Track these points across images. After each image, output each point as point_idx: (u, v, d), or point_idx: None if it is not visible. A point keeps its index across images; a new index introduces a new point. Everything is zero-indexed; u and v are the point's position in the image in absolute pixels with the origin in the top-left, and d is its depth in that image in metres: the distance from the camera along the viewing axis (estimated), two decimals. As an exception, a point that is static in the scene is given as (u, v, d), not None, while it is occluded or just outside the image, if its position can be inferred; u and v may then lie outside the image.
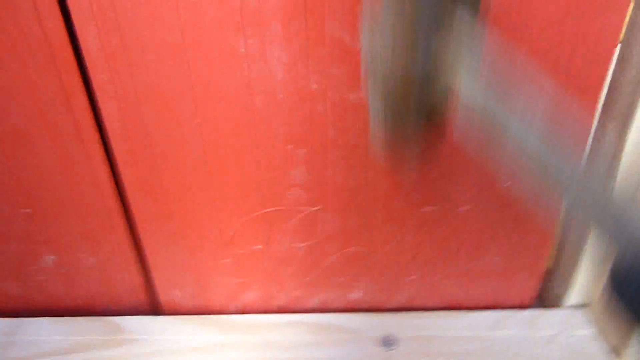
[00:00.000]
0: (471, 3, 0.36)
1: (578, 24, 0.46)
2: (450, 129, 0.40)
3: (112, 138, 0.51)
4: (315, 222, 0.57)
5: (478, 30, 0.36)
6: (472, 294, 0.64)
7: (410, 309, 0.65)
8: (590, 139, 0.54)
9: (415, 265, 0.61)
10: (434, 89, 0.37)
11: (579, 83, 0.49)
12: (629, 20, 0.48)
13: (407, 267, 0.61)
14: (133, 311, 0.64)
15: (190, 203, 0.55)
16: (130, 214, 0.57)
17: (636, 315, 0.28)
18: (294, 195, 0.55)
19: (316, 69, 0.47)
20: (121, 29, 0.45)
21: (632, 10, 0.47)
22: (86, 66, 0.47)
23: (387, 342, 0.60)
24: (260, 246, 0.59)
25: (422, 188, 0.55)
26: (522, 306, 0.65)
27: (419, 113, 0.39)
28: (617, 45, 0.48)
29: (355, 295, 0.64)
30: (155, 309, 0.65)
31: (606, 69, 0.49)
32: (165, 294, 0.63)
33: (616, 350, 0.58)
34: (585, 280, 0.62)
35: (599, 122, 0.54)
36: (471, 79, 0.36)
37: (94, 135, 0.51)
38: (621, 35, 0.48)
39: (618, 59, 0.50)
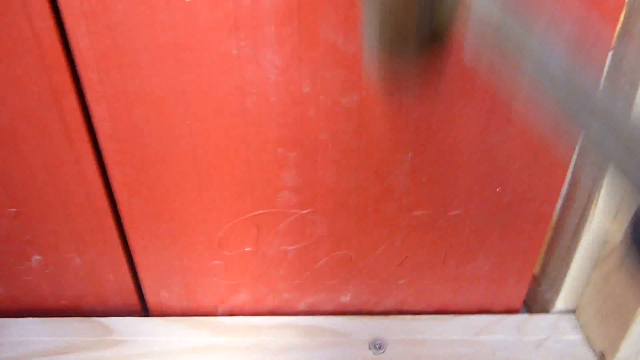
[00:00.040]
0: None
1: (570, 31, 0.46)
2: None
3: (102, 138, 0.51)
4: (305, 225, 0.57)
5: None
6: (461, 298, 0.64)
7: (400, 312, 0.65)
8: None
9: (405, 269, 0.61)
10: (440, 1, 0.33)
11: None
12: (621, 27, 0.48)
13: (396, 270, 0.61)
14: (121, 312, 0.64)
15: (180, 204, 0.55)
16: (119, 215, 0.56)
17: None
18: (284, 198, 0.55)
19: (309, 72, 0.47)
20: (113, 29, 0.45)
21: (624, 17, 0.47)
22: (76, 66, 0.47)
23: (376, 345, 0.60)
24: (250, 248, 0.59)
25: (412, 192, 0.55)
26: (510, 311, 0.66)
27: (422, 30, 0.34)
28: (609, 51, 0.48)
29: (345, 299, 0.64)
30: (143, 310, 0.65)
31: (598, 77, 0.49)
32: (153, 295, 0.63)
33: (604, 356, 0.58)
34: (574, 285, 0.62)
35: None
36: None
37: (84, 135, 0.51)
38: (613, 42, 0.48)
39: (610, 66, 0.50)
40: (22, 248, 0.59)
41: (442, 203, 0.56)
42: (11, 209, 0.55)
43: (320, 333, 0.62)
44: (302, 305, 0.64)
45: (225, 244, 0.58)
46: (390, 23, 0.33)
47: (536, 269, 0.65)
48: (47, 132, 0.50)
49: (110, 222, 0.57)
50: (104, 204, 0.55)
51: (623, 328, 0.55)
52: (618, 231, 0.56)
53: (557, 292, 0.63)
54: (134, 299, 0.63)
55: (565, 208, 0.60)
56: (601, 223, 0.57)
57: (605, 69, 0.50)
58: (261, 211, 0.56)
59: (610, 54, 0.49)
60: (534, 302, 0.67)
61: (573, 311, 0.65)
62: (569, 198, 0.59)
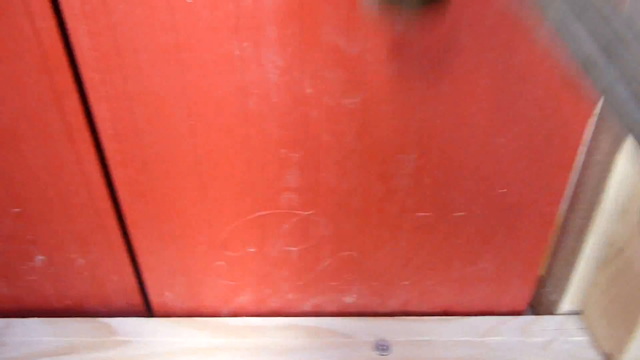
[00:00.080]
0: None
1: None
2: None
3: (104, 138, 0.51)
4: (309, 226, 0.57)
5: None
6: (466, 300, 0.64)
7: (404, 314, 0.65)
8: (582, 149, 0.54)
9: (409, 270, 0.61)
10: None
11: (574, 91, 0.48)
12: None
13: (401, 272, 0.61)
14: (125, 313, 0.64)
15: (183, 205, 0.55)
16: (122, 215, 0.56)
17: None
18: (287, 199, 0.54)
19: (311, 73, 0.47)
20: (114, 29, 0.44)
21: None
22: (78, 66, 0.47)
23: (381, 347, 0.60)
24: (253, 249, 0.59)
25: (416, 193, 0.55)
26: (516, 312, 0.65)
27: None
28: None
29: (349, 300, 0.64)
30: (147, 311, 0.65)
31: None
32: (157, 296, 0.63)
33: (610, 357, 0.58)
34: (580, 286, 0.62)
35: (592, 130, 0.54)
36: None
37: (85, 136, 0.51)
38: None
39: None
40: (26, 248, 0.59)
41: (446, 204, 0.56)
42: (14, 209, 0.55)
43: (324, 334, 0.62)
44: (306, 306, 0.64)
45: (228, 244, 0.58)
46: None
47: (542, 270, 0.64)
48: (49, 133, 0.50)
49: (112, 223, 0.57)
50: (106, 204, 0.55)
51: (630, 329, 0.54)
52: (624, 232, 0.55)
53: (562, 293, 0.63)
54: (137, 299, 0.63)
55: (570, 208, 0.59)
56: (607, 224, 0.56)
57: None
58: (264, 212, 0.56)
59: None
60: (540, 303, 0.67)
61: (579, 312, 0.64)
62: (574, 198, 0.59)
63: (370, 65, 0.46)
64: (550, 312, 0.65)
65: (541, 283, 0.65)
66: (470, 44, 0.46)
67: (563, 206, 0.59)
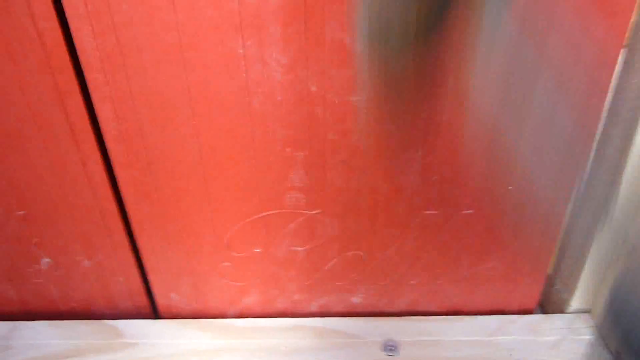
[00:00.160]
0: None
1: (582, 27, 0.45)
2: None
3: (108, 139, 0.50)
4: (315, 225, 0.56)
5: None
6: (474, 299, 0.63)
7: (412, 313, 0.64)
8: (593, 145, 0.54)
9: (417, 269, 0.60)
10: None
11: (584, 87, 0.48)
12: (634, 23, 0.47)
13: (408, 271, 0.60)
14: (130, 315, 0.64)
15: (188, 205, 0.55)
16: (127, 216, 0.56)
17: None
18: (293, 199, 0.54)
19: (316, 71, 0.46)
20: (117, 29, 0.44)
21: (637, 13, 0.46)
22: (81, 66, 0.46)
23: (389, 347, 0.59)
24: (259, 250, 0.58)
25: (423, 191, 0.54)
26: (525, 311, 0.65)
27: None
28: (621, 48, 0.47)
29: (356, 300, 0.63)
30: (153, 312, 0.65)
31: (611, 73, 0.48)
32: (163, 298, 0.63)
33: (619, 356, 0.57)
34: (589, 285, 0.61)
35: (603, 126, 0.53)
36: None
37: (90, 137, 0.50)
38: (626, 39, 0.47)
39: (622, 63, 0.49)
40: (32, 251, 0.58)
41: (453, 202, 0.55)
42: (19, 212, 0.55)
43: (331, 335, 0.61)
44: (312, 307, 0.64)
45: (234, 245, 0.58)
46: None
47: (550, 268, 0.63)
48: (52, 134, 0.50)
49: (118, 224, 0.56)
50: (111, 205, 0.55)
51: (640, 328, 0.54)
52: (635, 229, 0.54)
53: (572, 291, 0.62)
54: (143, 301, 0.63)
55: (580, 206, 0.59)
56: (617, 221, 0.56)
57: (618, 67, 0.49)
58: (269, 212, 0.55)
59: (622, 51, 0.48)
60: (549, 302, 0.66)
61: (589, 311, 0.63)
62: (584, 195, 0.58)
63: (376, 63, 0.46)
64: (560, 310, 0.65)
65: (550, 281, 0.65)
66: (476, 39, 0.45)
67: (572, 203, 0.58)
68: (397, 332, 0.61)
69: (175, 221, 0.56)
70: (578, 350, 0.59)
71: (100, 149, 0.51)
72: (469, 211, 0.56)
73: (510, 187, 0.54)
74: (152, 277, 0.61)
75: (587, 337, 0.61)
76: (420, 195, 0.54)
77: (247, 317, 0.64)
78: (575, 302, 0.63)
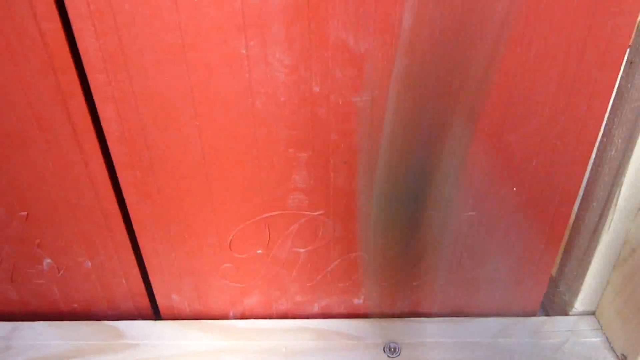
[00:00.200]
0: None
1: (587, 27, 0.45)
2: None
3: (110, 140, 0.50)
4: (317, 226, 0.56)
5: None
6: (477, 301, 0.63)
7: (414, 315, 0.64)
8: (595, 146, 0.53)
9: (419, 271, 0.60)
10: None
11: (588, 87, 0.48)
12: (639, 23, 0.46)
13: (410, 273, 0.60)
14: (131, 316, 0.64)
15: (190, 207, 0.54)
16: (128, 218, 0.56)
17: None
18: (295, 200, 0.54)
19: (318, 72, 0.46)
20: (119, 29, 0.44)
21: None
22: (84, 67, 0.46)
23: (391, 348, 0.59)
24: (261, 251, 0.58)
25: (426, 193, 0.54)
26: (528, 313, 0.64)
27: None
28: (626, 48, 0.47)
29: (358, 301, 0.63)
30: (154, 313, 0.64)
31: (616, 73, 0.48)
32: (165, 299, 0.62)
33: (626, 358, 0.57)
34: (593, 287, 0.61)
35: (605, 126, 0.53)
36: None
37: (92, 137, 0.50)
38: (631, 39, 0.47)
39: (627, 63, 0.49)
40: (33, 251, 0.58)
41: (456, 204, 0.55)
42: (21, 213, 0.55)
43: (333, 336, 0.61)
44: (314, 308, 0.64)
45: (236, 246, 0.58)
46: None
47: (554, 270, 0.63)
48: (55, 135, 0.50)
49: (120, 225, 0.56)
50: (113, 206, 0.55)
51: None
52: (639, 231, 0.54)
53: (576, 293, 0.62)
54: (145, 302, 0.63)
55: (583, 207, 0.59)
56: (621, 222, 0.55)
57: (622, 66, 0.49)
58: (272, 213, 0.55)
59: (627, 51, 0.48)
60: (552, 304, 0.66)
61: (593, 313, 0.63)
62: (587, 197, 0.58)
63: (379, 63, 0.46)
64: (563, 312, 0.64)
65: (553, 283, 0.64)
66: (480, 39, 0.45)
67: (576, 204, 0.58)
68: (399, 334, 0.61)
69: (177, 222, 0.55)
70: (582, 352, 0.59)
71: (102, 149, 0.51)
72: (472, 213, 0.55)
73: (513, 189, 0.54)
74: (153, 278, 0.61)
75: (591, 339, 0.60)
76: (423, 197, 0.54)
77: (248, 318, 0.64)
78: (579, 304, 0.62)
